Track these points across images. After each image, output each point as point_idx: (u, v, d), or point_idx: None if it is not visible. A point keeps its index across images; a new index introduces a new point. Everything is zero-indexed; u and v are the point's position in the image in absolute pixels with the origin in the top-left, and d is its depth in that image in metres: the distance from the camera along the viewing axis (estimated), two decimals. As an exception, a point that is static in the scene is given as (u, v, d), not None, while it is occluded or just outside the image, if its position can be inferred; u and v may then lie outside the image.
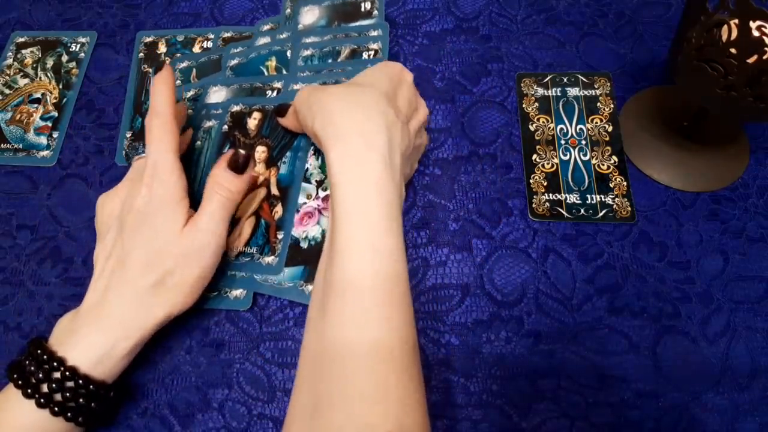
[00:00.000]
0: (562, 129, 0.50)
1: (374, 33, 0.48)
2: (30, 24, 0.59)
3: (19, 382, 0.34)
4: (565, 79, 0.52)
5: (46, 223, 0.48)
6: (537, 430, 0.39)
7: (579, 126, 0.50)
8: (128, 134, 0.51)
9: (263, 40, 0.52)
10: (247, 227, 0.43)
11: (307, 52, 0.49)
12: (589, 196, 0.46)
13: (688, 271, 0.44)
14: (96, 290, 0.37)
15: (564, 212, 0.46)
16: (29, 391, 0.34)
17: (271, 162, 0.45)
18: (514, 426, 0.39)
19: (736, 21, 0.38)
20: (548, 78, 0.53)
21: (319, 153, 0.45)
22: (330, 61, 0.48)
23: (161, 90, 0.39)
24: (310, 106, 0.39)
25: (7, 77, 0.55)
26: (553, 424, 0.39)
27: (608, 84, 0.52)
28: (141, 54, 0.56)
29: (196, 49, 0.56)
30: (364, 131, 0.36)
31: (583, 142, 0.49)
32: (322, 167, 0.44)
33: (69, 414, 0.34)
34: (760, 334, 0.41)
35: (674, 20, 0.55)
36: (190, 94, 0.51)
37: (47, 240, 0.47)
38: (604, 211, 0.46)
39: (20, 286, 0.45)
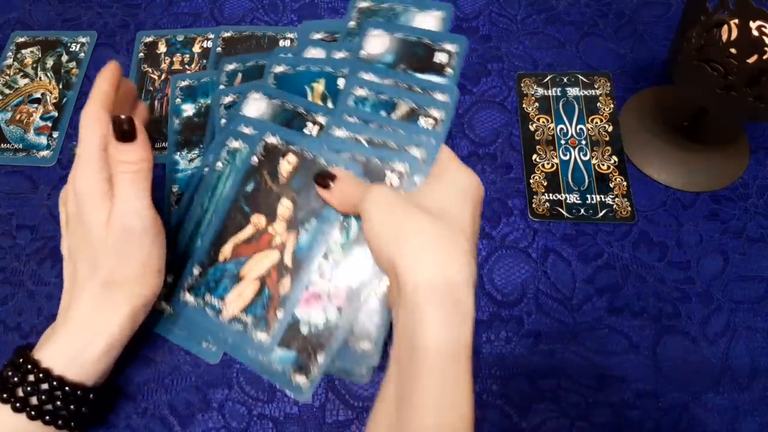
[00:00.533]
0: (562, 129, 0.50)
1: (441, 97, 0.39)
2: (30, 24, 0.59)
3: (3, 395, 0.33)
4: (565, 79, 0.52)
5: (46, 223, 0.48)
6: (537, 430, 0.39)
7: (579, 126, 0.50)
8: (128, 134, 0.51)
9: (314, 52, 0.44)
10: (249, 290, 0.39)
11: (361, 92, 0.41)
12: (589, 196, 0.46)
13: (688, 271, 0.44)
14: (65, 293, 0.38)
15: (564, 212, 0.46)
16: (5, 395, 0.33)
17: (292, 225, 0.39)
18: (514, 426, 0.39)
19: (736, 21, 0.38)
20: (548, 78, 0.53)
21: (346, 231, 0.39)
22: (383, 113, 0.40)
23: (97, 80, 0.38)
24: (389, 230, 0.33)
25: (7, 77, 0.55)
26: (553, 424, 0.39)
27: (608, 84, 0.52)
28: (141, 54, 0.56)
29: (196, 48, 0.56)
30: (455, 289, 0.31)
31: (583, 142, 0.49)
32: (345, 247, 0.38)
33: (47, 417, 0.34)
34: (760, 334, 0.41)
35: (674, 20, 0.55)
36: (227, 99, 0.46)
37: (47, 240, 0.47)
38: (604, 211, 0.46)
39: (20, 286, 0.45)
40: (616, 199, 0.46)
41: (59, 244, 0.47)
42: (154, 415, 0.39)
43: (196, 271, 0.40)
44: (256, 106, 0.43)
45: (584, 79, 0.52)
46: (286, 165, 0.40)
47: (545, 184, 0.47)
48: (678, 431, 0.38)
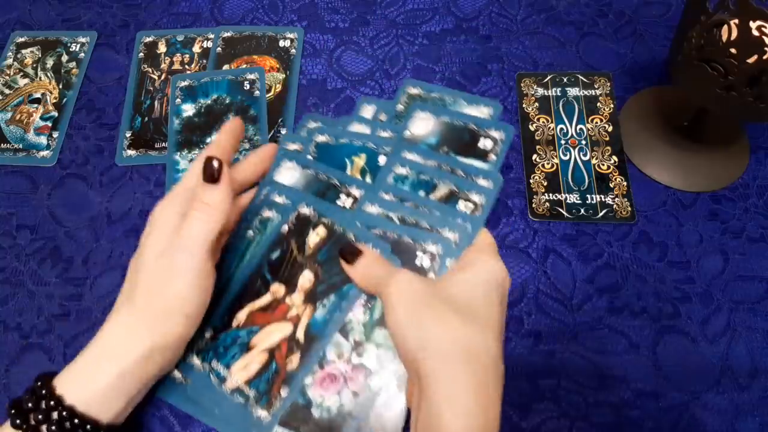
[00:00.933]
0: (562, 129, 0.50)
1: (483, 182, 0.39)
2: (30, 24, 0.59)
3: (17, 421, 0.33)
4: (565, 79, 0.52)
5: (46, 223, 0.48)
6: (537, 430, 0.39)
7: (579, 126, 0.50)
8: (128, 134, 0.51)
9: (360, 127, 0.44)
10: (256, 362, 0.37)
11: (402, 170, 0.40)
12: (589, 196, 0.46)
13: (688, 271, 0.44)
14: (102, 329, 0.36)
15: (564, 212, 0.46)
16: (18, 421, 0.32)
17: (310, 298, 0.38)
18: (514, 426, 0.39)
19: (736, 21, 0.38)
20: (548, 78, 0.53)
21: (370, 311, 0.37)
22: (422, 193, 0.39)
23: (222, 131, 0.40)
24: (414, 328, 0.31)
25: (7, 77, 0.55)
26: (553, 424, 0.39)
27: (608, 84, 0.52)
28: (141, 54, 0.56)
29: (196, 48, 0.56)
30: (486, 400, 0.30)
31: (583, 142, 0.49)
32: (367, 327, 0.37)
33: None
34: (760, 334, 0.41)
35: (674, 20, 0.55)
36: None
37: (47, 240, 0.47)
38: (604, 211, 0.46)
39: (20, 286, 0.45)
40: (616, 199, 0.46)
41: (59, 244, 0.47)
42: (154, 415, 0.39)
43: (207, 334, 0.38)
44: (289, 174, 0.42)
45: (584, 79, 0.52)
46: (315, 237, 0.39)
47: (545, 184, 0.47)
48: (678, 431, 0.38)
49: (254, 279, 0.39)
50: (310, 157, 0.43)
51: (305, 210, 0.40)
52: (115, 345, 0.35)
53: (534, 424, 0.39)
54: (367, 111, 0.46)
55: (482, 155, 0.40)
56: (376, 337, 0.36)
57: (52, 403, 0.33)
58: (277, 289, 0.38)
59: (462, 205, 0.38)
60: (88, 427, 0.33)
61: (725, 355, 0.41)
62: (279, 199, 0.41)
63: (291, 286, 0.38)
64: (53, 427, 0.32)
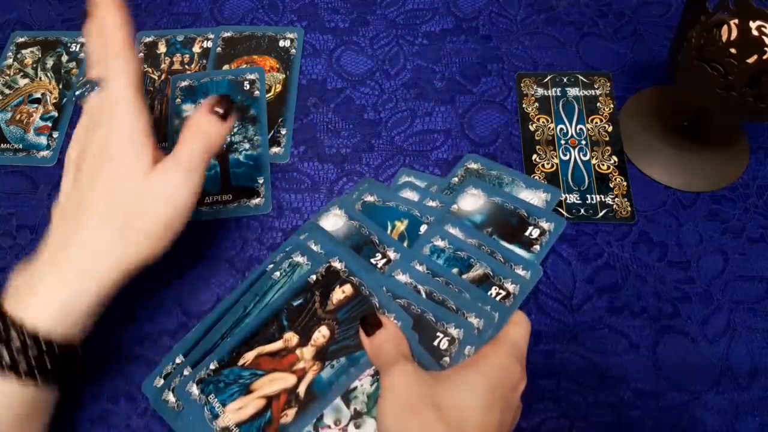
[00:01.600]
0: (562, 129, 0.50)
1: (521, 272, 0.37)
2: (30, 24, 0.59)
3: None
4: (565, 79, 0.52)
5: (46, 223, 0.47)
6: (537, 430, 0.39)
7: (579, 126, 0.50)
8: (128, 134, 0.51)
9: (410, 194, 0.44)
10: (251, 407, 0.36)
11: (440, 243, 0.39)
12: (589, 196, 0.46)
13: (688, 271, 0.44)
14: (52, 243, 0.35)
15: (564, 212, 0.46)
16: None
17: (320, 355, 0.37)
18: (514, 426, 0.39)
19: (736, 21, 0.38)
20: (548, 78, 0.53)
21: (378, 382, 0.36)
22: (455, 270, 0.38)
23: (115, 26, 0.37)
24: (436, 408, 0.30)
25: (7, 77, 0.55)
26: (553, 424, 0.39)
27: (608, 84, 0.52)
28: (141, 54, 0.56)
29: (196, 49, 0.56)
30: None
31: (583, 142, 0.49)
32: (371, 400, 0.35)
33: (25, 374, 0.31)
34: (760, 334, 0.41)
35: (674, 20, 0.55)
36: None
37: (47, 240, 0.47)
38: (604, 211, 0.46)
39: (20, 286, 0.45)
40: (616, 199, 0.46)
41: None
42: (154, 415, 0.39)
43: (212, 365, 0.37)
44: (334, 220, 0.42)
45: (584, 79, 0.52)
46: (340, 293, 0.39)
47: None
48: (678, 431, 0.38)
49: (271, 322, 0.38)
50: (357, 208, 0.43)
51: (336, 264, 0.40)
52: (100, 264, 0.34)
53: (534, 424, 0.39)
54: (417, 182, 0.46)
55: (527, 244, 0.39)
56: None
57: (28, 340, 0.31)
58: (291, 337, 0.38)
59: (494, 291, 0.37)
60: (66, 351, 0.33)
61: (725, 355, 0.41)
62: (314, 247, 0.41)
63: (304, 338, 0.37)
64: (28, 359, 0.31)
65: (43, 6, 0.60)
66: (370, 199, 0.44)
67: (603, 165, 0.48)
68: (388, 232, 0.42)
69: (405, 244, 0.41)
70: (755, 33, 0.39)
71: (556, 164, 0.48)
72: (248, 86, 0.52)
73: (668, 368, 0.40)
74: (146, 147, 0.35)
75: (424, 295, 0.37)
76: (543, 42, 0.55)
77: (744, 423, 0.38)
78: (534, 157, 0.49)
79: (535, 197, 0.42)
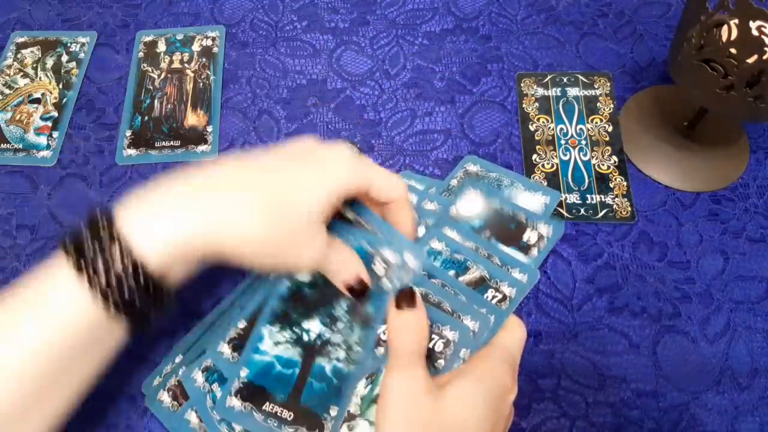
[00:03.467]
0: (562, 129, 0.50)
1: (518, 275, 0.37)
2: (30, 24, 0.59)
3: (80, 262, 0.28)
4: (565, 79, 0.52)
5: (46, 223, 0.48)
6: (537, 430, 0.39)
7: (579, 126, 0.50)
8: (128, 133, 0.51)
9: (408, 196, 0.40)
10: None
11: (438, 245, 0.38)
12: (589, 196, 0.46)
13: (688, 271, 0.44)
14: (196, 177, 0.32)
15: (564, 212, 0.46)
16: (82, 264, 0.28)
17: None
18: (514, 426, 0.39)
19: (736, 21, 0.38)
20: (548, 78, 0.53)
21: (372, 384, 0.35)
22: (452, 273, 0.37)
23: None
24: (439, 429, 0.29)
25: (7, 77, 0.55)
26: (553, 424, 0.39)
27: (608, 84, 0.52)
28: (141, 53, 0.56)
29: (196, 47, 0.56)
30: None
31: (583, 142, 0.49)
32: (365, 402, 0.34)
33: (122, 308, 0.29)
34: (760, 334, 0.41)
35: (674, 20, 0.55)
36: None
37: (47, 240, 0.47)
38: (604, 211, 0.46)
39: (20, 286, 0.45)
40: (616, 199, 0.46)
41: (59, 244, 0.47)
42: (153, 416, 0.39)
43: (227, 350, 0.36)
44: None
45: (584, 79, 0.52)
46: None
47: (545, 184, 0.47)
48: (678, 431, 0.38)
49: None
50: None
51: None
52: (225, 207, 0.31)
53: (534, 424, 0.39)
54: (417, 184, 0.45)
55: (525, 248, 0.38)
56: (371, 415, 0.34)
57: (132, 270, 0.28)
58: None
59: (490, 294, 0.36)
60: (163, 297, 0.30)
61: (725, 355, 0.41)
62: None
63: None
64: (127, 293, 0.28)
65: (43, 6, 0.60)
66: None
67: (603, 165, 0.48)
68: None
69: None
70: (755, 33, 0.39)
71: (556, 164, 0.48)
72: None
73: (668, 368, 0.40)
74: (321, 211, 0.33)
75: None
76: (543, 42, 0.55)
77: (744, 423, 0.38)
78: (534, 157, 0.49)
79: (534, 199, 0.42)
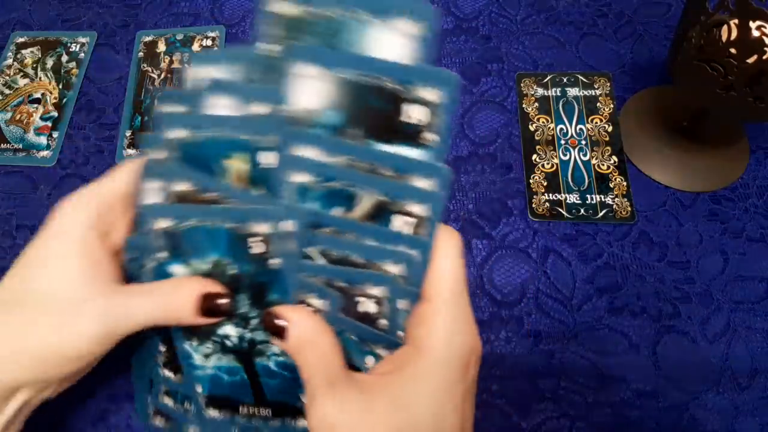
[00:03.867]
0: (562, 129, 0.50)
1: (421, 183, 0.26)
2: (30, 24, 0.59)
3: None
4: (565, 79, 0.52)
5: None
6: (537, 430, 0.39)
7: (579, 126, 0.50)
8: (128, 134, 0.51)
9: (223, 101, 0.28)
10: None
11: (301, 178, 0.26)
12: (589, 196, 0.46)
13: (688, 271, 0.44)
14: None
15: (564, 212, 0.46)
16: None
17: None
18: (514, 426, 0.39)
19: (736, 21, 0.38)
20: (548, 78, 0.53)
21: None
22: (338, 211, 0.26)
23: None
24: None
25: (7, 77, 0.55)
26: (553, 424, 0.39)
27: (608, 84, 0.52)
28: (141, 53, 0.56)
29: (196, 47, 0.56)
30: None
31: (583, 142, 0.49)
32: None
33: None
34: (760, 334, 0.41)
35: (674, 20, 0.55)
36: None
37: (47, 240, 0.47)
38: (604, 211, 0.46)
39: (20, 286, 0.45)
40: (616, 199, 0.46)
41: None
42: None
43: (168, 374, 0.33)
44: (153, 195, 0.29)
45: (584, 80, 0.52)
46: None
47: (545, 184, 0.47)
48: (678, 431, 0.38)
49: None
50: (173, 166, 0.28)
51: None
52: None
53: (534, 424, 0.39)
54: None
55: (412, 136, 0.26)
56: None
57: None
58: None
59: (399, 222, 0.26)
60: None
61: (725, 355, 0.41)
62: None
63: None
64: None
65: (43, 6, 0.60)
66: (181, 135, 0.28)
67: (603, 165, 0.48)
68: (225, 181, 0.28)
69: (254, 192, 0.27)
70: (755, 33, 0.39)
71: (556, 164, 0.48)
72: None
73: (668, 368, 0.40)
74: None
75: (320, 259, 0.27)
76: (543, 42, 0.55)
77: (744, 423, 0.38)
78: (534, 157, 0.49)
79: (397, 33, 0.26)
